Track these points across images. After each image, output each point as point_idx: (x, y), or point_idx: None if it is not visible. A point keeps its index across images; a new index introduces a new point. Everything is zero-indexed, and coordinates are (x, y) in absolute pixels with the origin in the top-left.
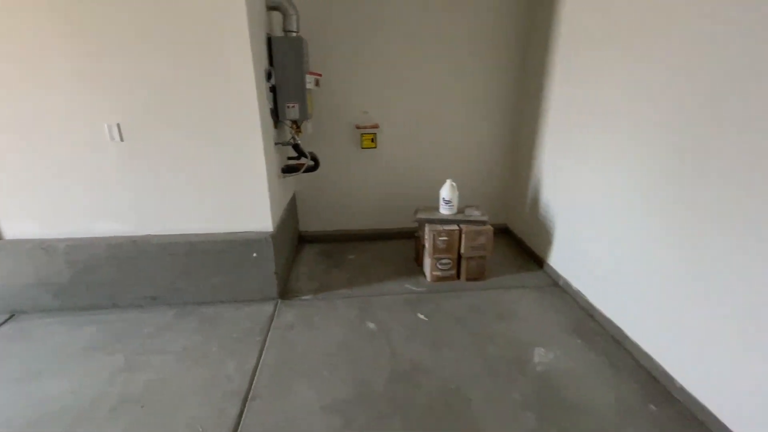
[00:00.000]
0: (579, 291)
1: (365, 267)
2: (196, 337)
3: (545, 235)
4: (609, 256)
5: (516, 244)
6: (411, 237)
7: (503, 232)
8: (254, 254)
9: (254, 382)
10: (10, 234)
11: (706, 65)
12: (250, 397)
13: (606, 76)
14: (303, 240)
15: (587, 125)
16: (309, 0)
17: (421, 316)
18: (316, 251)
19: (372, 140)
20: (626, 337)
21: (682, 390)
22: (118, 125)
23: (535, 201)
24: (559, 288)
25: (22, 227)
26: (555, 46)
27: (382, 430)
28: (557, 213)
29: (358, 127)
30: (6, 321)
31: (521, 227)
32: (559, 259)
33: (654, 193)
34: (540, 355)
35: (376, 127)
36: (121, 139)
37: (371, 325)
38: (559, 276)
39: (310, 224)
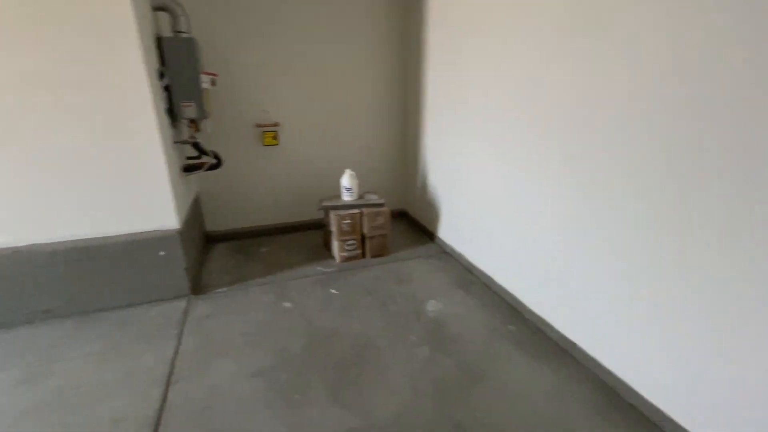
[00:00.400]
0: (461, 254)
1: (278, 257)
2: (102, 341)
3: (434, 212)
4: (482, 223)
5: (413, 225)
6: (319, 227)
7: (402, 215)
8: (161, 252)
9: (175, 366)
10: None
11: (554, 40)
12: (172, 380)
13: (471, 65)
14: (212, 239)
15: (457, 115)
16: (204, 2)
17: (333, 291)
18: (227, 248)
19: (274, 137)
20: (494, 283)
21: (531, 312)
22: None
23: (424, 184)
24: (446, 254)
25: None
26: (427, 37)
27: (302, 383)
28: (442, 193)
29: (259, 126)
30: None
31: (416, 209)
32: (445, 231)
33: (512, 172)
34: (431, 306)
35: (276, 125)
36: None
37: (287, 305)
38: (446, 245)
39: (218, 223)
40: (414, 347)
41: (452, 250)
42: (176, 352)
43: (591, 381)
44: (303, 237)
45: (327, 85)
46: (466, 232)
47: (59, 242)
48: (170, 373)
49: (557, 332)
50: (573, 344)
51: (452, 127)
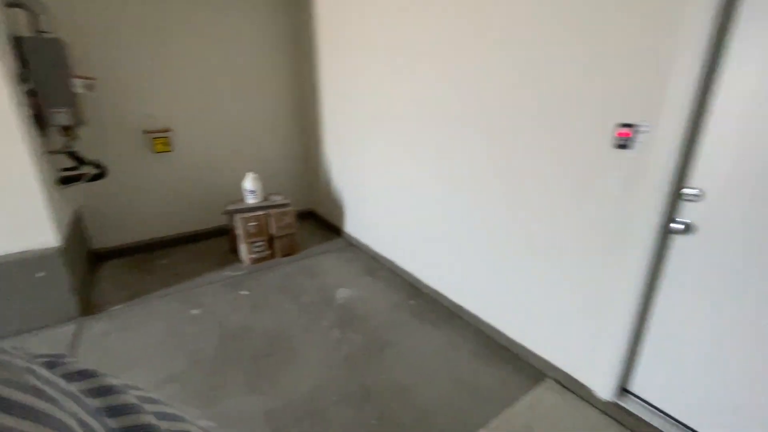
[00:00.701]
0: (367, 245)
1: (181, 267)
2: None
3: (339, 209)
4: (382, 215)
5: (320, 223)
6: (225, 232)
7: (309, 215)
8: (40, 274)
9: None
10: None
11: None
12: None
13: (362, 71)
14: (102, 256)
15: (353, 117)
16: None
17: (243, 292)
18: (122, 264)
19: (165, 144)
20: (396, 266)
21: (427, 287)
22: None
23: (328, 183)
24: (354, 247)
25: None
26: (319, 43)
27: (217, 380)
28: (345, 190)
29: (147, 132)
30: None
31: (322, 208)
32: (351, 226)
33: (403, 168)
34: (341, 293)
35: (168, 130)
36: None
37: (195, 311)
38: (352, 238)
39: (108, 238)
40: (326, 331)
41: (358, 242)
42: None
43: (473, 334)
44: (208, 245)
45: (224, 89)
46: (370, 225)
47: None
48: None
49: (448, 300)
50: (460, 307)
51: (349, 128)
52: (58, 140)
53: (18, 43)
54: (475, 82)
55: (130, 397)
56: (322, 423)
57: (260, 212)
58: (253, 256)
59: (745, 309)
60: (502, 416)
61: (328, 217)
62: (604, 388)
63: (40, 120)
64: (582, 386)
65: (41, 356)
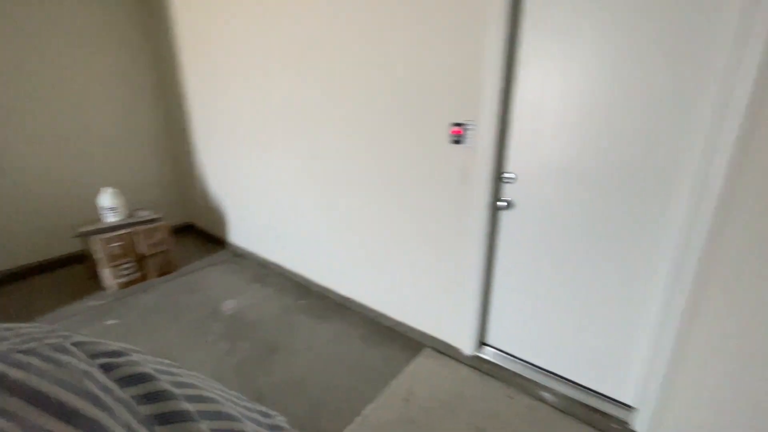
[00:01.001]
0: (254, 253)
1: (26, 306)
2: None
3: (222, 220)
4: (268, 221)
5: (201, 236)
6: (82, 259)
7: (188, 229)
8: None
9: None
10: None
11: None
12: None
13: (226, 80)
14: None
15: (223, 122)
16: None
17: (111, 321)
18: None
19: None
20: (286, 270)
21: (317, 285)
22: None
23: (207, 194)
24: (240, 257)
25: None
26: (180, 50)
27: None
28: (226, 199)
29: None
30: None
31: (203, 220)
32: (236, 236)
33: (280, 174)
34: (228, 305)
35: None
36: None
37: None
38: (238, 248)
39: None
40: (213, 344)
41: (244, 251)
42: None
43: (362, 321)
44: (62, 274)
45: (63, 101)
46: (255, 232)
47: None
48: None
49: (336, 293)
50: (347, 299)
51: (223, 135)
52: None
53: None
54: (343, 89)
55: (182, 404)
56: None
57: (124, 231)
58: (121, 280)
59: (554, 261)
60: (387, 388)
61: (210, 228)
62: (467, 345)
63: None
64: (453, 348)
65: (100, 355)
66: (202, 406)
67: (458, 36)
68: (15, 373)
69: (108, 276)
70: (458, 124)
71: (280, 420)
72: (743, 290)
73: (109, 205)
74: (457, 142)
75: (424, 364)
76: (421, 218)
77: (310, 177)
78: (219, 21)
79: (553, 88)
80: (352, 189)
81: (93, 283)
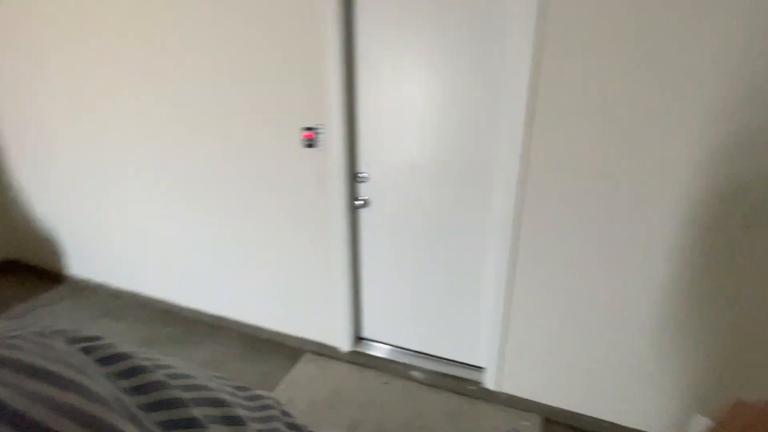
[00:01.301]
0: (103, 284)
1: None
2: None
3: (56, 250)
4: (120, 244)
5: (31, 272)
6: None
7: (11, 265)
8: None
9: None
10: None
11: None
12: None
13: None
14: None
15: (42, 140)
16: None
17: None
18: None
19: None
20: (145, 297)
21: (184, 308)
22: None
23: (34, 222)
24: (84, 290)
25: None
26: None
27: None
28: (61, 225)
29: None
30: None
31: (31, 253)
32: (76, 266)
33: (131, 189)
34: None
35: None
36: None
37: None
38: (81, 281)
39: None
40: None
41: (89, 283)
42: None
43: (237, 338)
44: None
45: None
46: (104, 260)
47: None
48: None
49: (207, 314)
50: (221, 318)
51: (43, 150)
52: None
53: None
54: (183, 88)
55: (158, 375)
56: None
57: None
58: None
59: (408, 250)
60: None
61: (40, 262)
62: (344, 342)
63: None
64: (331, 348)
65: (80, 339)
66: (179, 381)
67: (298, 36)
68: (5, 351)
69: None
70: (309, 129)
71: (270, 401)
72: (545, 263)
73: None
74: (310, 145)
75: (303, 369)
76: (284, 223)
77: (165, 191)
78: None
79: (390, 90)
80: (211, 200)
81: None
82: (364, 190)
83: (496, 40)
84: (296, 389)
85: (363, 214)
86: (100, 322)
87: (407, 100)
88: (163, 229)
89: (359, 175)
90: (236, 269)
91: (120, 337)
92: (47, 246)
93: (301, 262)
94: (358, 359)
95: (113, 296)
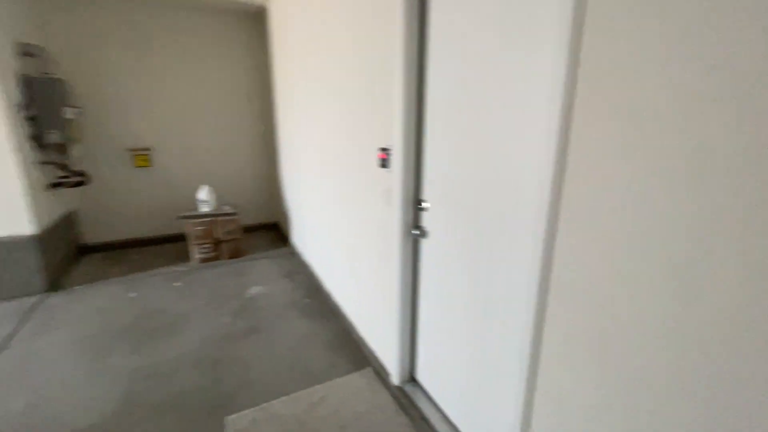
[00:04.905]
0: (301, 253)
1: (145, 261)
2: None
3: (289, 221)
4: (308, 226)
5: (279, 234)
6: (183, 237)
7: (273, 227)
8: (16, 254)
9: (10, 341)
10: None
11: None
12: (3, 348)
13: (298, 113)
14: (90, 249)
15: (291, 143)
16: (75, 49)
17: (176, 284)
18: (102, 256)
19: (145, 160)
20: (312, 271)
21: (324, 289)
22: None
23: (283, 200)
24: (293, 255)
25: None
26: (276, 81)
27: (113, 344)
28: (291, 205)
29: (131, 150)
30: None
31: (282, 220)
32: (295, 236)
33: (325, 191)
34: (253, 290)
35: (147, 149)
36: None
37: (132, 294)
38: (294, 246)
39: (98, 235)
40: (220, 317)
41: (296, 250)
42: (13, 333)
43: (336, 328)
44: (173, 246)
45: (200, 116)
46: (302, 234)
47: None
48: (1, 347)
49: (332, 299)
50: (338, 306)
51: (290, 152)
52: (53, 154)
53: (27, 81)
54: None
55: None
56: (169, 380)
57: (207, 219)
58: (200, 256)
59: (455, 298)
60: (306, 390)
61: (284, 228)
62: (395, 374)
63: (38, 139)
64: (387, 373)
65: None
66: None
67: (377, 44)
68: None
69: (193, 252)
70: (384, 149)
71: None
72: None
73: (203, 198)
74: (383, 166)
75: (355, 380)
76: (365, 234)
77: (320, 192)
78: (291, 64)
79: (455, 124)
80: (333, 203)
81: (186, 255)
82: (425, 220)
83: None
84: (335, 394)
85: (423, 245)
86: (280, 279)
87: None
88: (320, 222)
89: (421, 202)
90: (347, 268)
91: (281, 293)
92: (286, 218)
93: (374, 278)
94: (401, 398)
95: (301, 263)
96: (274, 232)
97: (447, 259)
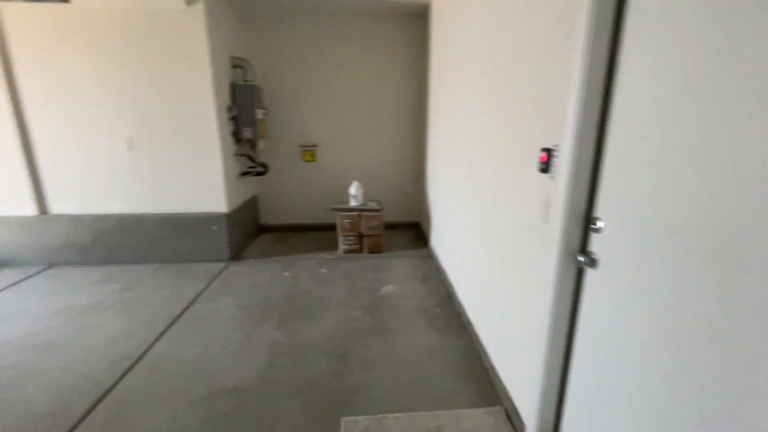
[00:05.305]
0: (438, 257)
1: (301, 245)
2: (167, 278)
3: (429, 222)
4: (449, 231)
5: (419, 234)
6: (333, 227)
7: (414, 227)
8: (214, 227)
9: (199, 296)
10: (56, 210)
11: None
12: (194, 302)
13: (454, 116)
14: (265, 229)
15: (441, 147)
16: (266, 59)
17: (323, 270)
18: (271, 236)
19: (312, 155)
20: (446, 278)
21: (457, 299)
22: (130, 141)
23: (426, 198)
24: (430, 258)
25: (63, 206)
26: (430, 77)
27: (265, 315)
28: (433, 205)
29: (301, 146)
30: (46, 269)
31: (423, 221)
32: (434, 238)
33: (472, 207)
34: (387, 288)
35: (314, 145)
36: (131, 149)
37: (286, 274)
38: (432, 249)
39: (270, 218)
40: (353, 310)
41: (434, 253)
42: (204, 290)
43: (467, 349)
44: (325, 234)
45: (358, 117)
46: (442, 239)
47: (157, 213)
48: (193, 300)
49: (465, 314)
50: (470, 323)
51: (437, 153)
52: (245, 148)
53: (233, 88)
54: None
55: None
56: (300, 362)
57: (354, 213)
58: (346, 247)
59: (639, 356)
60: (426, 413)
61: (424, 229)
62: (533, 429)
63: (236, 135)
64: (521, 423)
65: None
66: None
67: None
68: None
69: (339, 242)
70: (547, 149)
71: None
72: None
73: (353, 193)
74: (544, 170)
75: (480, 416)
76: (511, 251)
77: (462, 196)
78: (447, 56)
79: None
80: (476, 210)
81: (332, 244)
82: (596, 244)
83: None
84: (453, 426)
85: (590, 277)
86: (413, 282)
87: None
88: (457, 227)
89: (595, 221)
90: (481, 282)
91: (413, 297)
92: (428, 219)
93: (516, 305)
94: None
95: (436, 268)
96: (414, 231)
97: (629, 303)
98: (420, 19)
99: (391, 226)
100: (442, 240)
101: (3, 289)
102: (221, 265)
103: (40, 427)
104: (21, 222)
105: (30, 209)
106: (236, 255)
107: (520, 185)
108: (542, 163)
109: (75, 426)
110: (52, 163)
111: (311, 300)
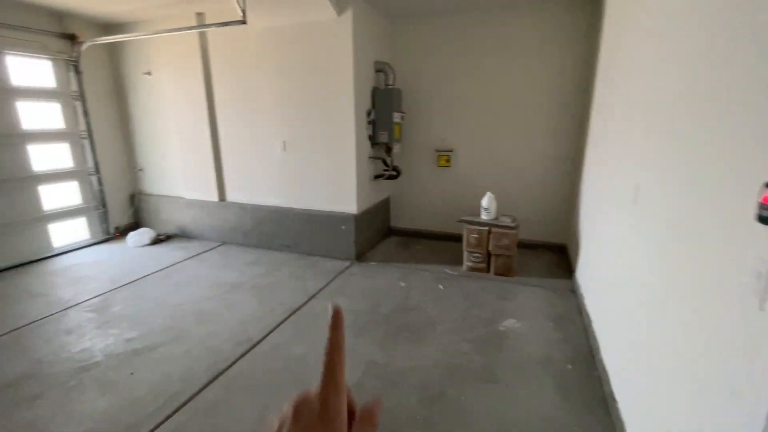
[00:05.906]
0: (583, 296)
1: (425, 253)
2: (300, 270)
3: (578, 249)
4: (605, 270)
5: (563, 259)
6: (459, 238)
7: (559, 250)
8: (343, 227)
9: (319, 293)
10: (230, 198)
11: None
12: (313, 296)
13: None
14: (393, 232)
15: (601, 170)
16: (407, 61)
17: (440, 287)
18: (397, 240)
19: (447, 161)
20: (590, 326)
21: (600, 362)
22: (285, 143)
23: (578, 221)
24: (572, 293)
25: (235, 195)
26: (595, 84)
27: (370, 327)
28: (585, 231)
29: (437, 151)
30: (219, 246)
31: (572, 246)
32: (580, 271)
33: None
34: (508, 322)
35: (450, 150)
36: (284, 150)
37: (402, 284)
38: (577, 284)
39: (399, 221)
40: (462, 342)
41: (578, 287)
42: (324, 287)
43: (600, 399)
44: (452, 244)
45: (500, 122)
46: (591, 274)
47: (301, 209)
48: (313, 295)
49: (610, 384)
50: (615, 399)
51: (596, 166)
52: (381, 152)
53: (374, 92)
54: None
55: None
56: (390, 391)
57: (483, 227)
58: (470, 264)
59: None
60: None
61: (571, 255)
62: None
63: (372, 138)
64: None
65: None
66: None
67: None
68: None
69: (464, 257)
70: None
71: None
72: None
73: (485, 205)
74: (765, 219)
75: None
76: (699, 333)
77: (628, 233)
78: (625, 50)
79: None
80: (644, 252)
81: (456, 258)
82: None
83: None
84: None
85: None
86: (545, 322)
87: None
88: (615, 267)
89: None
90: (646, 351)
91: (541, 339)
92: (577, 245)
93: (701, 404)
94: None
95: (577, 309)
96: (558, 255)
97: None
98: (589, 4)
99: (529, 245)
100: (590, 275)
101: (192, 257)
102: (346, 263)
103: (171, 390)
104: (208, 206)
105: (214, 196)
106: (361, 255)
107: (719, 242)
108: (764, 207)
109: (189, 399)
110: (231, 158)
111: (420, 319)
